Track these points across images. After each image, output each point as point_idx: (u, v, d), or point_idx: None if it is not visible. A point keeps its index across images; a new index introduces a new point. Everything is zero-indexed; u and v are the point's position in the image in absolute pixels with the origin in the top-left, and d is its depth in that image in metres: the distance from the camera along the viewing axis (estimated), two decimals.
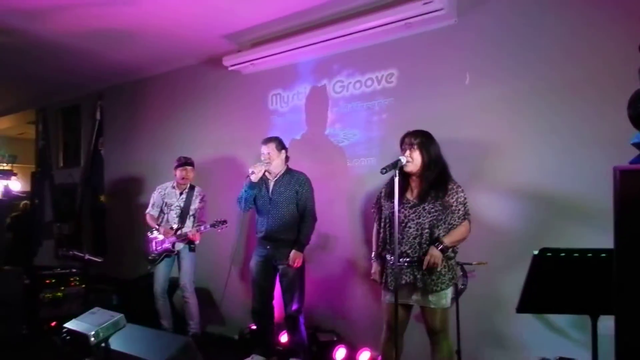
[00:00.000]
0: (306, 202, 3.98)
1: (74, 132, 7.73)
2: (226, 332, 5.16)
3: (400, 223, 2.97)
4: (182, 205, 4.76)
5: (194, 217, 4.79)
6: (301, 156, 4.44)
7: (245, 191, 3.95)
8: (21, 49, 5.53)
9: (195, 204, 4.80)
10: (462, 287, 3.34)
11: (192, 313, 4.70)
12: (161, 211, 4.83)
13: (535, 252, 2.07)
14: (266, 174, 4.01)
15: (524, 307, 2.19)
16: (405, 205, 3.03)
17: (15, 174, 7.43)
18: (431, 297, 2.95)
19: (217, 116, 5.60)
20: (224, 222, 4.40)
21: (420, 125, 3.17)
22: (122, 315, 2.56)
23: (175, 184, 4.83)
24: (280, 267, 3.96)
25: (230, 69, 5.10)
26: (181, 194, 4.80)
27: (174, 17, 4.62)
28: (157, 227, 4.73)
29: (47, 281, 5.17)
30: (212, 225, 4.43)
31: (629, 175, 1.40)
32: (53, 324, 4.93)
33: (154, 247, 4.73)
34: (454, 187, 3.03)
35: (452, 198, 3.00)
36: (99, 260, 5.12)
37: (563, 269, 2.10)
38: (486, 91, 3.68)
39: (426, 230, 2.96)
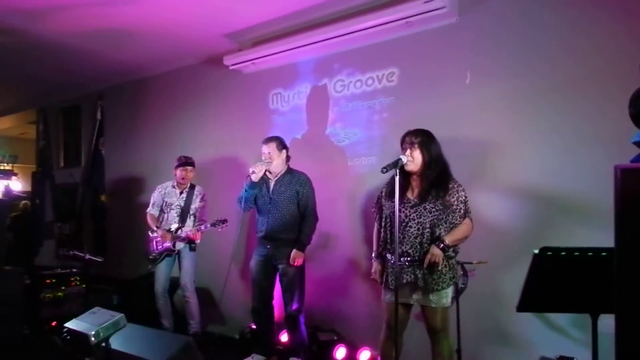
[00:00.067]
0: (307, 202, 3.98)
1: (75, 132, 7.74)
2: (227, 332, 5.16)
3: (401, 222, 2.97)
4: (182, 204, 4.76)
5: (195, 217, 4.79)
6: (302, 155, 4.44)
7: (246, 191, 3.95)
8: (22, 49, 5.54)
9: (195, 203, 4.80)
10: (463, 286, 3.33)
11: (193, 312, 4.70)
12: (161, 210, 4.83)
13: (536, 251, 2.06)
14: (267, 173, 4.01)
15: (524, 306, 2.18)
16: (406, 205, 3.03)
17: (15, 174, 7.44)
18: (432, 296, 2.95)
19: (217, 116, 5.60)
20: (225, 221, 4.39)
21: (421, 124, 3.16)
22: (122, 315, 2.56)
23: (175, 184, 4.83)
24: (281, 266, 3.95)
25: (230, 68, 5.11)
26: (181, 193, 4.80)
27: (175, 17, 4.62)
28: (155, 229, 4.74)
29: (48, 281, 5.17)
30: (213, 225, 4.43)
31: (629, 174, 1.40)
32: (54, 323, 4.93)
33: (155, 247, 4.73)
34: (455, 186, 3.03)
35: (453, 197, 3.00)
36: (100, 260, 5.11)
37: (563, 267, 2.10)
38: (487, 90, 3.67)
39: (427, 230, 2.96)
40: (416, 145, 3.01)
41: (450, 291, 3.00)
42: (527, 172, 3.47)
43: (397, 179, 2.81)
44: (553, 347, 3.13)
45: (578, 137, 3.26)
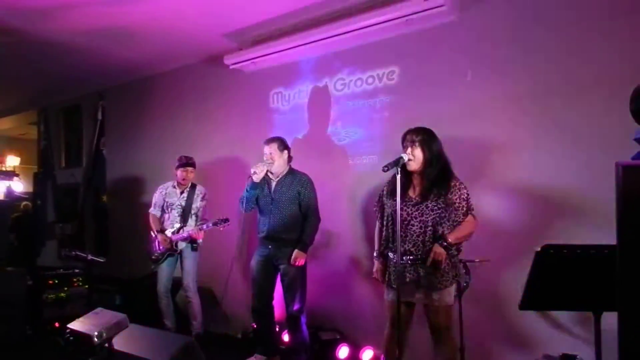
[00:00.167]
0: (309, 202, 3.98)
1: (76, 132, 7.75)
2: (229, 332, 5.16)
3: (403, 221, 2.97)
4: (183, 204, 4.76)
5: (197, 216, 4.79)
6: (303, 154, 4.44)
7: (247, 191, 3.95)
8: (22, 50, 5.54)
9: (197, 203, 4.80)
10: (465, 284, 3.33)
11: (195, 313, 4.71)
12: (163, 210, 4.83)
13: (538, 249, 2.06)
14: (268, 174, 4.01)
15: (526, 304, 2.18)
16: (408, 203, 3.02)
17: (17, 175, 7.44)
18: (435, 295, 2.94)
19: (218, 115, 5.60)
20: (226, 220, 4.39)
21: (422, 122, 3.16)
22: (125, 315, 2.56)
23: (176, 184, 4.83)
24: (282, 266, 3.95)
25: (231, 67, 5.10)
26: (182, 193, 4.80)
27: (175, 16, 4.61)
28: (155, 233, 4.74)
29: (50, 282, 5.18)
30: (215, 224, 4.42)
31: (631, 171, 1.40)
32: (56, 324, 4.93)
33: (157, 247, 4.73)
34: (457, 184, 3.02)
35: (455, 195, 2.99)
36: (102, 260, 5.11)
37: (566, 265, 2.10)
38: (488, 88, 3.67)
39: (429, 228, 2.96)
40: (417, 144, 3.00)
41: (453, 289, 3.00)
42: (528, 170, 3.47)
43: (398, 177, 2.81)
44: (556, 345, 3.13)
45: (579, 135, 3.26)
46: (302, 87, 4.84)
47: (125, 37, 5.15)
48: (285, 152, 4.06)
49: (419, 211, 2.99)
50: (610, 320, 1.77)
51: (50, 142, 7.88)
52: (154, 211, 4.86)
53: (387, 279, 3.14)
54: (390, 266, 3.12)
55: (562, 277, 2.12)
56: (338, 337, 4.26)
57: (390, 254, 3.12)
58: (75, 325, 2.60)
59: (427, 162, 3.01)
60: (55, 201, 7.74)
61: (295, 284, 3.94)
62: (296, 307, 3.93)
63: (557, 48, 3.38)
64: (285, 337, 4.33)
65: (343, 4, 4.26)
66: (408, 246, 2.98)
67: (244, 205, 3.98)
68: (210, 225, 4.48)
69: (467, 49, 3.78)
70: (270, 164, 3.97)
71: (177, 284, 4.87)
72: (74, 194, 7.49)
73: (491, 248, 3.38)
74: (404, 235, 2.97)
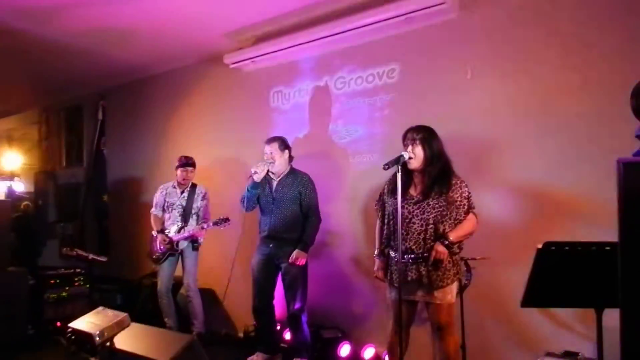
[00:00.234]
0: (310, 202, 3.99)
1: (77, 132, 7.74)
2: (231, 331, 5.16)
3: (404, 219, 2.96)
4: (184, 204, 4.76)
5: (198, 216, 4.79)
6: (303, 153, 4.44)
7: (248, 191, 3.95)
8: (23, 50, 5.55)
9: (197, 202, 4.80)
10: (466, 282, 3.33)
11: (196, 312, 4.71)
12: (164, 210, 4.83)
13: (540, 246, 2.06)
14: (269, 173, 4.01)
15: (528, 301, 2.18)
16: (409, 202, 3.02)
17: (17, 175, 7.45)
18: (436, 293, 2.94)
19: (218, 114, 5.60)
20: (227, 219, 4.40)
21: (423, 120, 3.16)
22: (126, 314, 2.57)
23: (176, 184, 4.84)
24: (283, 265, 3.96)
25: (231, 66, 5.11)
26: (182, 192, 4.81)
27: (175, 16, 4.61)
28: (155, 233, 4.74)
29: (52, 281, 5.18)
30: (215, 223, 4.43)
31: (632, 167, 1.39)
32: (58, 323, 4.94)
33: (158, 246, 4.73)
34: (458, 182, 3.02)
35: (456, 193, 2.99)
36: (103, 259, 5.13)
37: (567, 262, 2.09)
38: (488, 86, 3.67)
39: (430, 226, 2.95)
40: (418, 142, 3.00)
41: (454, 287, 3.00)
42: (528, 168, 3.46)
43: (399, 175, 2.81)
44: (558, 342, 3.13)
45: (580, 132, 3.26)
46: (302, 85, 4.84)
47: (126, 37, 5.15)
48: (286, 151, 4.06)
49: (420, 209, 2.98)
50: (612, 316, 1.76)
51: (51, 142, 7.88)
52: (155, 211, 4.87)
53: (388, 278, 3.14)
54: (391, 265, 3.11)
55: (563, 274, 2.12)
56: (340, 335, 4.26)
57: (392, 253, 3.12)
58: (77, 324, 2.61)
59: (427, 160, 3.00)
60: (56, 201, 7.75)
61: (297, 282, 3.94)
62: (297, 305, 3.93)
63: (557, 46, 3.38)
64: (287, 336, 4.33)
65: (343, 2, 4.26)
66: (409, 244, 2.97)
67: (245, 204, 3.98)
68: (211, 224, 4.48)
69: (467, 47, 3.77)
70: (271, 163, 3.97)
71: (178, 284, 4.88)
72: (75, 194, 7.49)
73: (492, 246, 3.38)
74: (405, 233, 2.97)
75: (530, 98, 3.47)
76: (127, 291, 5.74)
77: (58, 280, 5.22)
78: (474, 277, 3.36)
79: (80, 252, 5.16)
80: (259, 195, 4.05)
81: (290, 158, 4.11)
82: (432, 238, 2.94)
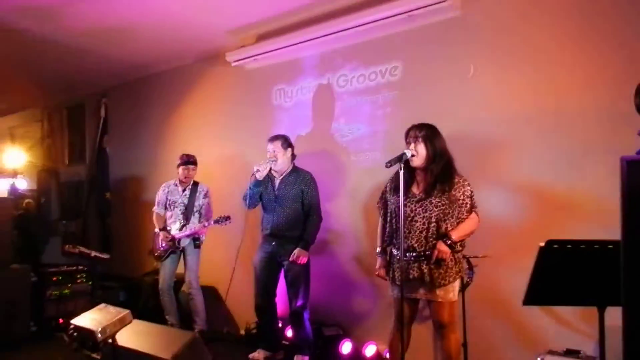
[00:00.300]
0: (312, 201, 3.99)
1: (79, 130, 7.76)
2: (232, 328, 5.17)
3: (406, 217, 2.96)
4: (185, 202, 4.77)
5: (200, 214, 4.80)
6: (305, 151, 4.44)
7: (251, 189, 3.96)
8: (27, 49, 5.56)
9: (199, 200, 4.81)
10: (468, 280, 3.33)
11: (198, 309, 4.72)
12: (166, 208, 4.84)
13: (542, 244, 2.05)
14: (272, 171, 4.02)
15: (530, 299, 2.17)
16: (412, 200, 3.02)
17: (20, 173, 7.45)
18: (439, 291, 2.94)
19: (221, 112, 5.60)
20: (228, 217, 4.41)
21: (425, 118, 3.15)
22: (128, 311, 2.57)
23: (178, 182, 4.84)
24: (285, 263, 3.96)
25: (233, 64, 5.11)
26: (184, 191, 4.81)
27: (177, 14, 4.62)
28: (158, 230, 4.75)
29: (54, 278, 5.19)
30: (216, 222, 4.44)
31: (636, 165, 1.39)
32: (60, 320, 4.95)
33: (160, 244, 4.74)
34: (461, 180, 3.01)
35: (459, 192, 2.98)
36: (106, 257, 5.14)
37: (570, 260, 2.09)
38: (490, 84, 3.66)
39: (433, 224, 2.95)
40: (420, 139, 2.99)
41: (456, 285, 3.00)
42: (531, 166, 3.45)
43: (401, 173, 2.81)
44: (560, 341, 3.12)
45: (583, 130, 3.24)
46: (304, 83, 4.83)
47: (129, 35, 5.16)
48: (289, 150, 4.06)
49: (423, 207, 2.98)
50: (614, 315, 1.76)
51: (54, 140, 7.89)
52: (158, 209, 4.88)
53: (390, 276, 3.14)
54: (393, 263, 3.12)
55: (565, 272, 2.11)
56: (341, 332, 4.26)
57: (394, 250, 3.12)
58: (79, 321, 2.62)
59: (430, 158, 3.00)
60: (59, 199, 7.76)
61: (299, 280, 3.95)
62: (299, 302, 3.94)
63: (560, 44, 3.37)
64: (289, 333, 4.34)
65: (345, 0, 4.25)
66: (411, 242, 2.97)
67: (247, 202, 3.99)
68: (212, 222, 4.49)
69: (469, 45, 3.76)
70: (274, 161, 3.97)
71: (179, 281, 4.89)
72: (78, 192, 7.51)
73: (494, 244, 3.38)
74: (407, 231, 2.97)
75: (533, 96, 3.46)
76: (129, 288, 5.75)
77: (60, 278, 5.23)
78: (475, 275, 3.36)
79: (83, 249, 5.18)
80: (261, 193, 4.06)
81: (293, 156, 4.11)
82: (434, 236, 2.94)
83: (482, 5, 3.73)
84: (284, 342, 4.33)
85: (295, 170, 4.09)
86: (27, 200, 7.89)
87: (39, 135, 8.49)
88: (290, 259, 3.88)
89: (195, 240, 4.70)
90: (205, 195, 4.85)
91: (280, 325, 4.37)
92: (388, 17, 3.93)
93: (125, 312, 2.56)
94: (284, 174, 4.05)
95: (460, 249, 3.02)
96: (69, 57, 5.87)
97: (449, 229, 2.94)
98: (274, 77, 5.06)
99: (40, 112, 8.34)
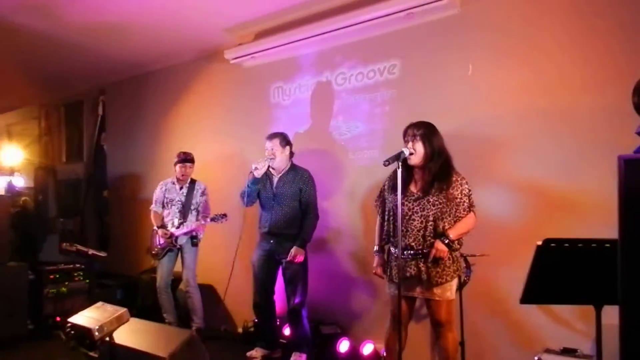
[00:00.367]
0: (309, 199, 3.99)
1: (77, 127, 7.74)
2: (230, 326, 5.17)
3: (404, 216, 2.96)
4: (183, 200, 4.76)
5: (197, 212, 4.79)
6: (303, 149, 4.43)
7: (249, 186, 3.95)
8: (24, 46, 5.54)
9: (196, 198, 4.80)
10: (466, 279, 3.33)
11: (196, 307, 4.71)
12: (163, 207, 4.84)
13: (539, 243, 2.06)
14: (270, 169, 4.01)
15: (527, 298, 2.18)
16: (409, 198, 3.02)
17: (17, 171, 7.43)
18: (436, 290, 2.94)
19: (218, 110, 5.59)
20: (224, 215, 4.41)
21: (423, 116, 3.15)
22: (125, 309, 2.57)
23: (175, 180, 4.84)
24: (283, 260, 3.96)
25: (231, 62, 5.10)
26: (181, 188, 4.80)
27: (175, 11, 4.61)
28: (156, 228, 4.74)
29: (52, 276, 5.18)
30: (213, 219, 4.44)
31: (633, 164, 1.39)
32: (57, 318, 4.94)
33: (158, 242, 4.74)
34: (459, 179, 3.01)
35: (457, 190, 2.98)
36: (103, 255, 5.13)
37: (567, 259, 2.09)
38: (489, 82, 3.66)
39: (430, 223, 2.95)
40: (418, 138, 2.99)
41: (454, 284, 3.00)
42: (529, 165, 3.45)
43: (399, 171, 2.80)
44: (557, 339, 3.14)
45: (581, 129, 3.25)
46: (302, 81, 4.83)
47: (127, 32, 5.15)
48: (287, 147, 4.05)
49: (420, 206, 2.98)
50: (611, 314, 1.76)
51: (51, 137, 7.87)
52: (155, 208, 4.87)
53: (388, 274, 3.14)
54: (391, 261, 3.12)
55: (563, 271, 2.11)
56: (339, 331, 4.26)
57: (392, 249, 3.12)
58: (77, 319, 2.61)
59: (428, 157, 2.99)
60: (56, 196, 7.74)
61: (297, 277, 3.95)
62: (297, 300, 3.94)
63: (559, 42, 3.37)
64: (286, 332, 4.34)
65: None
66: (409, 241, 2.97)
67: (245, 200, 3.98)
68: (209, 220, 4.48)
69: (468, 43, 3.76)
70: (272, 159, 3.97)
71: (177, 279, 4.88)
72: (75, 189, 7.49)
73: (492, 242, 3.38)
74: (404, 230, 2.97)
75: (532, 95, 3.46)
76: (126, 287, 5.74)
77: (58, 276, 5.22)
78: (473, 274, 3.36)
79: (80, 247, 5.17)
80: (259, 191, 4.05)
81: (291, 154, 4.10)
82: (432, 235, 2.94)
83: (481, 4, 3.73)
84: (281, 340, 4.32)
85: (293, 168, 4.09)
86: (24, 198, 7.87)
87: (36, 133, 8.47)
88: (288, 257, 3.88)
89: (193, 238, 4.69)
90: (203, 193, 4.84)
91: (277, 323, 4.37)
92: (387, 15, 3.92)
93: (122, 310, 2.56)
94: (282, 172, 4.05)
95: (458, 247, 3.02)
96: (66, 55, 5.85)
97: (447, 227, 2.94)
98: (272, 75, 5.05)
99: (38, 110, 8.31)
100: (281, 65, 4.96)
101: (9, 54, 5.86)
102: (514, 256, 3.30)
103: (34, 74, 6.86)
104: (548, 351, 3.04)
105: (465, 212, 3.00)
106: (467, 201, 3.01)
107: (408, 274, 2.97)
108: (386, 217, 3.18)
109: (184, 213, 4.72)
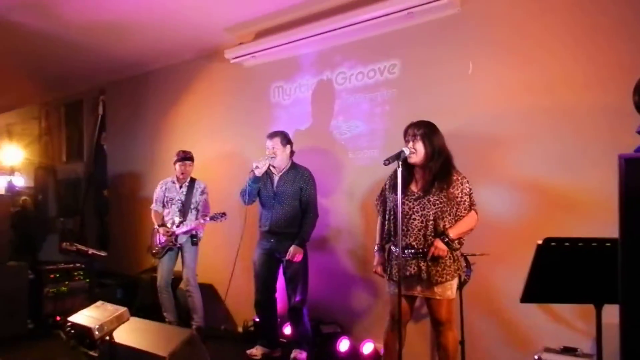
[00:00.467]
0: (309, 198, 3.99)
1: (77, 127, 7.74)
2: (230, 325, 5.17)
3: (404, 215, 2.96)
4: (183, 199, 4.76)
5: (197, 210, 4.79)
6: (304, 148, 4.43)
7: (249, 185, 3.95)
8: (24, 45, 5.54)
9: (196, 197, 4.79)
10: (466, 278, 3.33)
11: (196, 306, 4.71)
12: (164, 206, 4.84)
13: (540, 242, 2.05)
14: (271, 168, 4.01)
15: (528, 297, 2.18)
16: (410, 197, 3.02)
17: (17, 170, 7.44)
18: (436, 289, 2.94)
19: (219, 109, 5.59)
20: (224, 214, 4.40)
21: (424, 116, 3.15)
22: (125, 308, 2.57)
23: (175, 178, 4.84)
24: (284, 259, 3.96)
25: (232, 61, 5.10)
26: (181, 187, 4.80)
27: (176, 10, 4.61)
28: (157, 227, 4.74)
29: (52, 276, 5.18)
30: (212, 218, 4.43)
31: (633, 163, 1.39)
32: (57, 318, 4.94)
33: (158, 240, 4.74)
34: (459, 178, 3.01)
35: (457, 189, 2.98)
36: (103, 254, 5.13)
37: (567, 258, 2.09)
38: (489, 81, 3.65)
39: (431, 222, 2.95)
40: (419, 137, 2.99)
41: (454, 283, 3.00)
42: (530, 164, 3.45)
43: (399, 171, 2.80)
44: (557, 338, 3.14)
45: (582, 128, 3.24)
46: (303, 80, 4.83)
47: (127, 32, 5.15)
48: (288, 146, 4.06)
49: (421, 205, 2.98)
50: (611, 313, 1.76)
51: (51, 137, 7.87)
52: (156, 207, 4.87)
53: (388, 273, 3.14)
54: (391, 259, 3.12)
55: (563, 270, 2.11)
56: (339, 330, 4.26)
57: (392, 248, 3.12)
58: (76, 318, 2.61)
59: (428, 156, 2.99)
60: (56, 196, 7.74)
61: (298, 276, 3.96)
62: (298, 298, 3.95)
63: (560, 41, 3.36)
64: (287, 330, 4.34)
65: None
66: (409, 240, 2.97)
67: (246, 198, 3.99)
68: (208, 219, 4.48)
69: (468, 43, 3.76)
70: (273, 158, 3.97)
71: (177, 279, 4.88)
72: (75, 189, 7.49)
73: (492, 241, 3.38)
74: (405, 229, 2.97)
75: (533, 94, 3.45)
76: (126, 286, 5.74)
77: (58, 275, 5.22)
78: (473, 273, 3.36)
79: (80, 246, 5.17)
80: (259, 189, 4.05)
81: (292, 153, 4.10)
82: (433, 234, 2.94)
83: (481, 3, 3.73)
84: (281, 339, 4.33)
85: (294, 167, 4.09)
86: (24, 198, 7.88)
87: (36, 133, 8.47)
88: (287, 257, 3.88)
89: (193, 237, 4.69)
90: (203, 192, 4.84)
91: (278, 322, 4.37)
92: (387, 14, 3.92)
93: (122, 309, 2.56)
94: (283, 171, 4.05)
95: (458, 246, 3.02)
96: (66, 54, 5.85)
97: (447, 226, 2.94)
98: (272, 75, 5.05)
99: (38, 109, 8.32)
100: (281, 64, 4.96)
101: (9, 53, 5.86)
102: (514, 255, 3.30)
103: (34, 74, 6.86)
104: (548, 350, 3.04)
105: (466, 211, 3.00)
106: (468, 200, 3.01)
107: (408, 273, 2.97)
108: (387, 217, 3.18)
109: (183, 212, 4.72)
